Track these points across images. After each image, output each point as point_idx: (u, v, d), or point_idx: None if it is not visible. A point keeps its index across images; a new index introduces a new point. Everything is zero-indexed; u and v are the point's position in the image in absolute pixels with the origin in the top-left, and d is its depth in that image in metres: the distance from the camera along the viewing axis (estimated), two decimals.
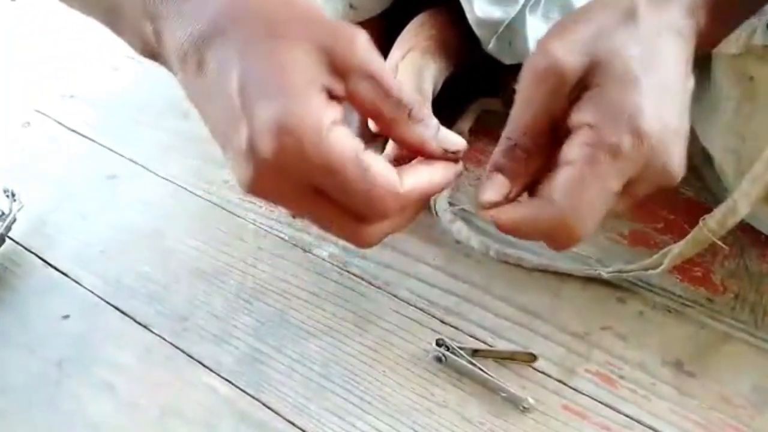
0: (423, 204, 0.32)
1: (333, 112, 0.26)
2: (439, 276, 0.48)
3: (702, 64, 0.44)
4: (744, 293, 0.45)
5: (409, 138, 0.30)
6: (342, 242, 0.50)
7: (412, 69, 0.50)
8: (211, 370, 0.43)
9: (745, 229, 0.47)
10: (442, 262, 0.49)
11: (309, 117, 0.25)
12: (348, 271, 0.48)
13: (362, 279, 0.48)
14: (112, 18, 0.31)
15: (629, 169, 0.29)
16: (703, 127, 0.47)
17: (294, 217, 0.52)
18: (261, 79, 0.26)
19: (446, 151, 0.31)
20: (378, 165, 0.27)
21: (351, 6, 0.52)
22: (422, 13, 0.55)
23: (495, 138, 0.32)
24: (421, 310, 0.46)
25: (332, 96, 0.27)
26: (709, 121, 0.46)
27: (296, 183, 0.27)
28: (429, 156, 0.30)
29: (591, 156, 0.28)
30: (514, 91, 0.57)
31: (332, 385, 0.42)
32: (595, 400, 0.40)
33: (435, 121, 0.30)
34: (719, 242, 0.41)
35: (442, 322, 0.45)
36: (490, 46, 0.51)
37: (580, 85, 0.30)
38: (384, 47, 0.55)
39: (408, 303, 0.46)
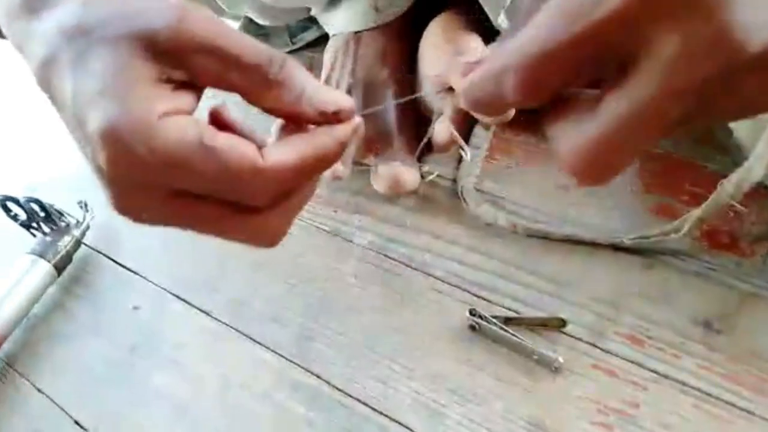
0: (310, 177, 0.27)
1: (167, 101, 0.24)
2: (472, 256, 0.51)
3: None
4: None
5: (272, 106, 0.25)
6: (379, 230, 0.54)
7: None
8: (265, 347, 0.47)
9: None
10: (475, 243, 0.51)
11: (132, 114, 0.23)
12: (386, 256, 0.52)
13: (400, 262, 0.51)
14: None
15: None
16: None
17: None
18: (86, 89, 0.24)
19: (323, 113, 0.26)
20: (226, 143, 0.24)
21: (376, 9, 0.55)
22: (443, 13, 0.57)
23: None
24: (456, 286, 0.49)
25: (176, 84, 0.24)
26: None
27: (151, 191, 0.25)
28: (307, 121, 0.26)
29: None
30: None
31: (376, 356, 0.45)
32: (624, 359, 0.43)
33: (301, 80, 0.25)
34: (737, 204, 0.43)
35: (476, 296, 0.48)
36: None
37: None
38: (406, 49, 0.58)
39: (443, 281, 0.49)
